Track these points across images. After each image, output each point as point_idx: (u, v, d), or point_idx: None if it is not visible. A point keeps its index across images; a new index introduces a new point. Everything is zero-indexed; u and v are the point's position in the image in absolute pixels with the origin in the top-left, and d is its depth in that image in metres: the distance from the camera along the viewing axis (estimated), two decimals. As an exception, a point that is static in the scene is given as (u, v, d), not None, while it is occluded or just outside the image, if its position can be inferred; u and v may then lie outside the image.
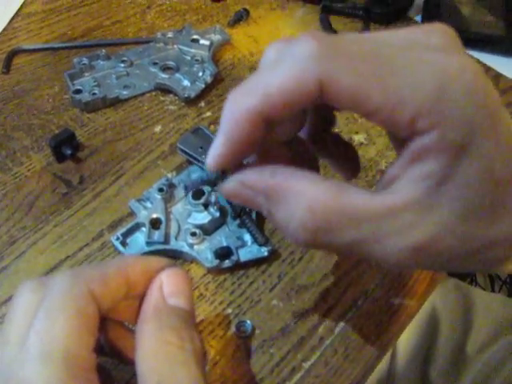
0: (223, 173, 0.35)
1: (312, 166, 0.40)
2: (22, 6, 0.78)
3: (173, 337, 0.32)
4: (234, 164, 0.34)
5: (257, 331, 0.46)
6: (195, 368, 0.32)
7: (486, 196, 0.30)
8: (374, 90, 0.29)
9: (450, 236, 0.30)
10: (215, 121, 0.63)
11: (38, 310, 0.31)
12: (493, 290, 1.75)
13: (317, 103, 0.31)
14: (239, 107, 0.32)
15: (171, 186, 0.54)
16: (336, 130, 0.62)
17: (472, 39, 0.76)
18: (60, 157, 0.58)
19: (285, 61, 0.31)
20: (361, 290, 0.49)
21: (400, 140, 0.31)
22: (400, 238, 0.30)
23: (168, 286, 0.35)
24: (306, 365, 0.45)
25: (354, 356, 0.45)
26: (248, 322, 0.46)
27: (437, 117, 0.29)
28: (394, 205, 0.30)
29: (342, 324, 0.47)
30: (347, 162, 0.43)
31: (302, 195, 0.31)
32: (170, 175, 0.57)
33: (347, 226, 0.31)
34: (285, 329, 0.46)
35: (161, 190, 0.52)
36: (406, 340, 0.78)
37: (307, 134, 0.40)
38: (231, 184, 0.35)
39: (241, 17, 0.77)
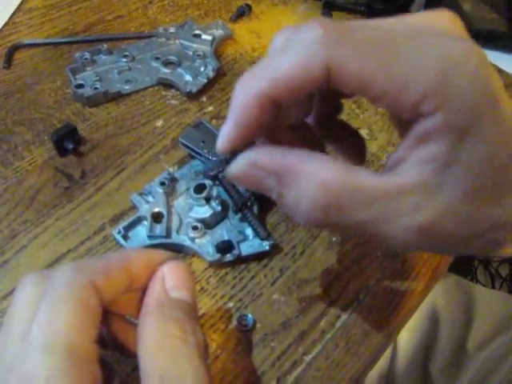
0: (232, 156, 0.35)
1: (319, 151, 0.40)
2: (23, 0, 0.77)
3: (176, 329, 0.32)
4: (243, 147, 0.35)
5: (258, 325, 0.46)
6: (198, 361, 0.32)
7: (489, 179, 0.31)
8: (380, 75, 0.30)
9: (455, 217, 0.31)
10: (217, 115, 0.63)
11: (41, 302, 0.31)
12: (493, 287, 1.75)
13: (323, 88, 0.31)
14: (248, 91, 0.33)
15: (173, 179, 0.54)
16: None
17: (473, 35, 0.75)
18: (62, 151, 0.58)
19: (292, 46, 0.32)
20: (362, 284, 0.49)
21: (404, 124, 0.32)
22: (407, 218, 0.31)
23: (170, 278, 0.35)
24: (308, 358, 0.45)
25: (355, 350, 0.45)
26: (249, 315, 0.46)
27: (441, 99, 0.29)
28: (401, 186, 0.31)
29: (343, 318, 0.47)
30: (353, 148, 0.43)
31: (313, 175, 0.32)
32: (171, 169, 0.57)
33: (358, 204, 0.31)
34: (286, 322, 0.46)
35: (162, 183, 0.52)
36: (407, 336, 0.78)
37: (314, 119, 0.41)
38: (241, 164, 0.35)
39: (243, 12, 0.77)
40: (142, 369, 0.31)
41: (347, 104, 0.64)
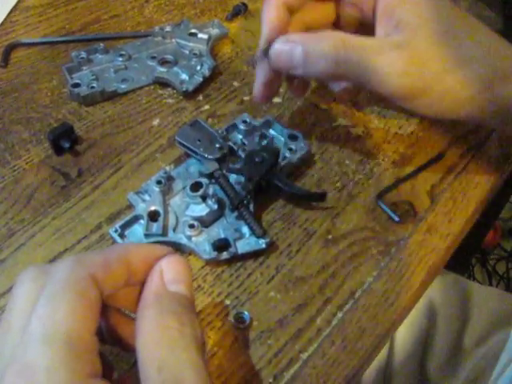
0: (269, 46, 0.51)
1: None
2: (19, 0, 0.77)
3: (174, 322, 0.33)
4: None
5: (254, 323, 0.46)
6: (196, 353, 0.32)
7: (446, 23, 0.47)
8: None
9: (426, 55, 0.47)
10: (213, 114, 0.63)
11: (40, 295, 0.31)
12: (490, 285, 1.76)
13: None
14: (270, 1, 0.52)
15: (169, 178, 0.54)
16: (334, 124, 0.62)
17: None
18: (58, 150, 0.58)
19: None
20: (358, 282, 0.49)
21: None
22: (390, 54, 0.47)
23: (169, 272, 0.36)
24: (304, 356, 0.45)
25: (352, 347, 0.45)
26: (246, 313, 0.47)
27: None
28: (386, 41, 0.48)
29: (339, 316, 0.47)
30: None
31: (330, 36, 0.49)
32: (168, 168, 0.57)
33: (359, 55, 0.47)
34: (282, 320, 0.47)
35: (159, 182, 0.53)
36: (404, 333, 0.78)
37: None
38: (278, 42, 0.50)
39: (239, 11, 0.77)
40: (140, 361, 0.32)
41: (343, 102, 0.65)
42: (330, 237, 0.52)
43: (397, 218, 0.53)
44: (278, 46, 0.50)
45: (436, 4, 0.48)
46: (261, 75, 0.54)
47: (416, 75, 0.47)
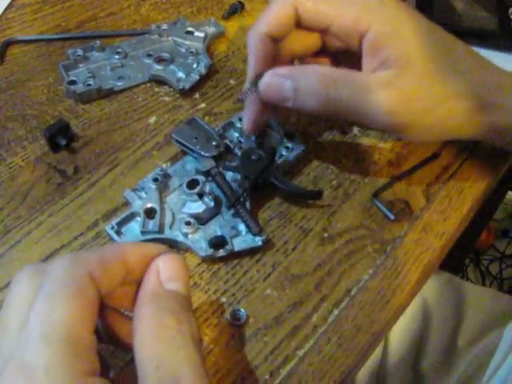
0: (257, 78, 0.51)
1: None
2: (15, -3, 0.77)
3: (171, 320, 0.33)
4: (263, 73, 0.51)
5: (251, 320, 0.47)
6: (193, 351, 0.32)
7: (429, 63, 0.48)
8: (326, 10, 0.51)
9: (412, 93, 0.47)
10: (210, 112, 0.63)
11: (38, 293, 0.31)
12: (483, 285, 1.76)
13: (298, 24, 0.52)
14: (253, 32, 0.52)
15: (166, 176, 0.54)
16: (329, 123, 0.62)
17: (464, 34, 0.76)
18: (55, 147, 0.58)
19: (272, 1, 0.52)
20: (354, 279, 0.50)
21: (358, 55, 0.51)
22: (379, 94, 0.47)
23: (165, 271, 0.36)
24: (300, 353, 0.45)
25: (347, 344, 0.46)
26: (242, 310, 0.47)
27: (370, 17, 0.49)
28: (373, 78, 0.48)
29: (335, 313, 0.47)
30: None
31: (317, 70, 0.49)
32: (164, 165, 0.57)
33: (348, 89, 0.48)
34: (279, 317, 0.47)
35: (155, 179, 0.53)
36: (399, 333, 0.78)
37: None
38: (267, 76, 0.50)
39: (235, 9, 0.77)
40: (138, 359, 0.32)
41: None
42: (326, 235, 0.52)
43: (392, 217, 0.53)
44: (268, 80, 0.50)
45: (422, 40, 0.49)
46: (250, 112, 0.55)
47: (404, 113, 0.48)
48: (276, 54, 0.53)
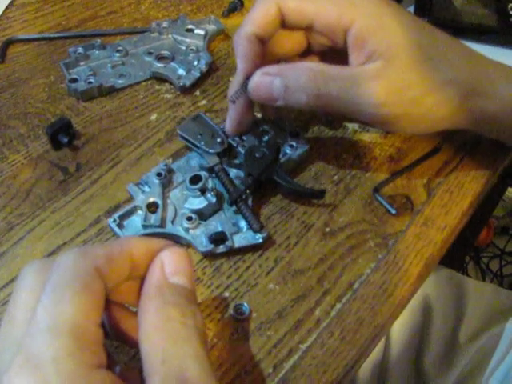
0: (246, 80, 0.51)
1: None
2: (16, -4, 0.78)
3: (176, 313, 0.33)
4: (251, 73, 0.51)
5: (254, 314, 0.47)
6: (198, 343, 0.32)
7: (416, 54, 0.48)
8: (309, 7, 0.51)
9: (404, 81, 0.47)
10: (210, 109, 0.64)
11: (45, 287, 0.31)
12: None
13: (283, 23, 0.52)
14: (239, 34, 0.51)
15: (170, 171, 0.54)
16: (330, 118, 0.63)
17: (464, 30, 0.77)
18: (57, 145, 0.58)
19: (256, 2, 0.52)
20: (356, 273, 0.50)
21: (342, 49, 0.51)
22: (369, 84, 0.47)
23: (169, 265, 0.36)
24: (303, 346, 0.45)
25: (350, 338, 0.46)
26: (245, 304, 0.47)
27: (353, 12, 0.49)
28: (363, 70, 0.48)
29: (337, 307, 0.48)
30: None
31: (306, 66, 0.49)
32: (167, 161, 0.57)
33: (337, 85, 0.48)
34: (281, 312, 0.47)
35: (159, 174, 0.53)
36: (400, 328, 0.79)
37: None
38: (255, 76, 0.50)
39: (235, 7, 0.77)
40: (143, 353, 0.32)
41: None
42: (327, 229, 0.53)
43: (394, 211, 0.54)
44: (257, 79, 0.50)
45: (407, 31, 0.49)
46: (234, 112, 0.55)
47: (394, 103, 0.48)
48: (263, 56, 0.53)
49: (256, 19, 0.51)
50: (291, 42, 0.55)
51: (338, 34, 0.51)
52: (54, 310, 0.30)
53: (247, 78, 0.51)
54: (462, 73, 0.49)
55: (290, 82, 0.49)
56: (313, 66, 0.49)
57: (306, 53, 0.57)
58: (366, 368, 0.78)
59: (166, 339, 0.32)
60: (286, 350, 0.45)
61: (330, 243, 0.52)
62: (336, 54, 0.53)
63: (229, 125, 0.55)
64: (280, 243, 0.51)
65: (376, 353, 0.79)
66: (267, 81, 0.50)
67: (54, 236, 0.52)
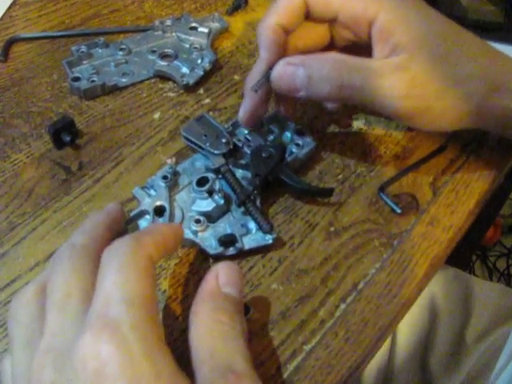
0: (269, 70, 0.51)
1: None
2: (19, -6, 0.77)
3: (225, 317, 0.36)
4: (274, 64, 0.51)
5: (257, 315, 0.46)
6: (244, 345, 0.35)
7: (437, 48, 0.48)
8: None
9: (426, 75, 0.47)
10: (214, 107, 0.63)
11: (103, 269, 0.34)
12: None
13: (306, 16, 0.53)
14: (264, 22, 0.52)
15: (175, 173, 0.53)
16: (335, 117, 0.62)
17: (470, 27, 0.76)
18: (59, 144, 0.58)
19: None
20: (361, 273, 0.49)
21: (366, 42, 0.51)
22: (393, 76, 0.47)
23: (223, 276, 0.39)
24: (307, 348, 0.45)
25: (355, 339, 0.45)
26: (248, 305, 0.46)
27: (378, 4, 0.49)
28: (387, 63, 0.48)
29: (342, 307, 0.47)
30: None
31: (330, 57, 0.49)
32: (169, 161, 0.57)
33: (362, 76, 0.48)
34: (285, 312, 0.46)
35: (165, 177, 0.52)
36: (406, 328, 0.78)
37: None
38: (279, 65, 0.50)
39: (239, 5, 0.77)
40: (194, 348, 0.35)
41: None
42: (332, 229, 0.52)
43: (399, 210, 0.53)
44: (280, 68, 0.50)
45: (431, 25, 0.49)
46: (249, 103, 0.54)
47: (417, 96, 0.47)
48: (286, 47, 0.53)
49: (281, 9, 0.51)
50: (314, 35, 0.55)
51: (363, 26, 0.51)
52: (125, 285, 0.33)
53: (270, 68, 0.51)
54: (485, 68, 0.49)
55: (314, 72, 0.49)
56: (337, 56, 0.49)
57: (329, 47, 0.56)
58: (371, 368, 0.77)
59: (216, 337, 0.35)
60: (290, 351, 0.44)
61: (334, 243, 0.51)
62: (359, 49, 0.53)
63: (243, 115, 0.55)
64: (284, 243, 0.51)
65: (382, 353, 0.78)
66: (290, 70, 0.50)
67: (57, 236, 0.51)
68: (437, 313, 0.78)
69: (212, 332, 0.35)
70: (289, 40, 0.53)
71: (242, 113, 0.55)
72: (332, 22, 0.53)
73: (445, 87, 0.47)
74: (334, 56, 0.49)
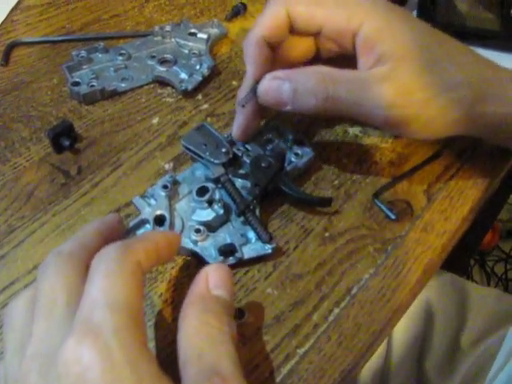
0: (256, 85, 0.51)
1: None
2: (20, -1, 0.78)
3: (214, 320, 0.36)
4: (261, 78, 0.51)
5: (251, 319, 0.47)
6: (232, 348, 0.35)
7: (423, 55, 0.48)
8: (318, 12, 0.51)
9: (413, 84, 0.47)
10: (212, 113, 0.64)
11: (91, 274, 0.35)
12: (488, 286, 1.76)
13: (291, 28, 0.52)
14: (249, 38, 0.52)
15: (175, 182, 0.54)
16: (331, 123, 0.63)
17: (467, 35, 0.77)
18: (58, 148, 0.58)
19: (268, 6, 0.52)
20: (354, 279, 0.50)
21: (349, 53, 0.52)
22: (379, 86, 0.47)
23: (213, 278, 0.40)
24: (301, 351, 0.45)
25: (348, 343, 0.46)
26: (243, 309, 0.47)
27: (362, 15, 0.49)
28: (371, 74, 0.48)
29: (335, 312, 0.48)
30: None
31: (316, 71, 0.49)
32: (167, 166, 0.57)
33: (346, 88, 0.48)
34: (279, 316, 0.47)
35: (165, 186, 0.52)
36: (402, 333, 0.79)
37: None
38: (265, 80, 0.50)
39: (238, 11, 0.77)
40: (181, 349, 0.35)
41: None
42: (327, 234, 0.53)
43: (393, 216, 0.54)
44: (266, 83, 0.50)
45: (415, 34, 0.49)
46: (242, 117, 0.55)
47: (403, 105, 0.47)
48: (273, 61, 0.53)
49: (265, 23, 0.51)
50: (300, 48, 0.55)
51: (347, 37, 0.51)
52: (110, 290, 0.33)
53: (256, 82, 0.51)
54: (472, 76, 0.49)
55: (299, 85, 0.49)
56: (321, 69, 0.49)
57: (315, 59, 0.56)
58: (367, 371, 0.78)
59: (204, 340, 0.35)
60: (283, 355, 0.45)
61: (329, 248, 0.52)
62: (345, 61, 0.53)
63: (236, 130, 0.56)
64: (279, 248, 0.51)
65: (377, 356, 0.79)
66: (276, 85, 0.50)
67: (55, 239, 0.52)
68: (432, 317, 0.79)
69: (200, 334, 0.35)
70: (275, 53, 0.54)
71: (235, 128, 0.56)
72: (317, 34, 0.53)
73: (431, 95, 0.48)
74: (318, 69, 0.49)
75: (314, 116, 0.62)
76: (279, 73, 0.50)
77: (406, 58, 0.48)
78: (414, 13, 0.81)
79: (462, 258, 1.42)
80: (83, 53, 0.67)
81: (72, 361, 0.31)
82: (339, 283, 0.49)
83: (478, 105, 0.49)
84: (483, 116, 0.50)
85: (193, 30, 0.72)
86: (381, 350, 0.79)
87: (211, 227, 0.51)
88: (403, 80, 0.47)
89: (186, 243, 0.50)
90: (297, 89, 0.49)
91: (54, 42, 0.72)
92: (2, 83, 0.66)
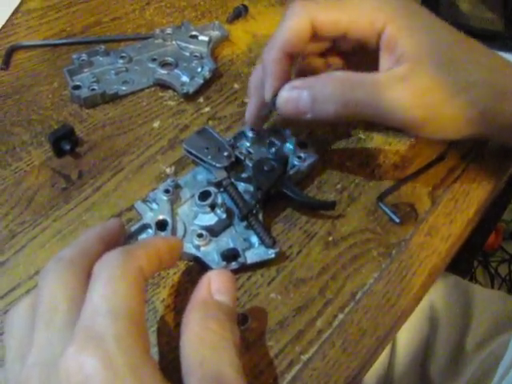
0: (274, 96, 0.51)
1: None
2: (21, 2, 0.78)
3: (216, 326, 0.36)
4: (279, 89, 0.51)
5: (255, 324, 0.46)
6: (234, 354, 0.35)
7: (441, 57, 0.48)
8: (342, 17, 0.50)
9: (429, 84, 0.47)
10: (214, 116, 0.63)
11: (93, 280, 0.35)
12: (492, 288, 1.75)
13: (313, 36, 0.51)
14: (270, 51, 0.51)
15: (177, 186, 0.53)
16: (334, 126, 0.62)
17: (470, 35, 0.76)
18: (59, 152, 0.58)
19: (288, 15, 0.51)
20: (359, 283, 0.49)
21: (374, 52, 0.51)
22: (396, 89, 0.47)
23: (215, 283, 0.40)
24: (304, 357, 0.45)
25: (352, 349, 0.45)
26: (246, 314, 0.46)
27: (384, 16, 0.49)
28: (390, 75, 0.48)
29: (340, 317, 0.47)
30: None
31: (334, 77, 0.49)
32: (169, 170, 0.57)
33: (364, 91, 0.47)
34: (283, 322, 0.47)
35: (167, 191, 0.52)
36: (406, 336, 0.78)
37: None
38: (284, 90, 0.50)
39: (239, 13, 0.77)
40: (183, 355, 0.35)
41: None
42: (330, 239, 0.52)
43: (398, 220, 0.53)
44: (284, 94, 0.50)
45: (435, 33, 0.49)
46: (253, 104, 0.56)
47: (424, 105, 0.47)
48: (292, 71, 0.54)
49: (288, 38, 0.51)
50: (317, 44, 0.55)
51: (372, 38, 0.50)
52: (112, 297, 0.33)
53: (275, 95, 0.51)
54: (491, 75, 0.49)
55: (317, 92, 0.48)
56: (338, 74, 0.49)
57: (330, 51, 0.57)
58: (371, 375, 0.77)
59: (206, 346, 0.35)
60: (287, 361, 0.44)
61: (332, 252, 0.51)
62: (361, 54, 0.53)
63: (248, 116, 0.57)
64: (282, 252, 0.51)
65: (382, 360, 0.78)
66: (295, 95, 0.49)
67: (56, 244, 0.51)
68: (437, 320, 0.78)
69: (202, 341, 0.35)
70: (295, 63, 0.54)
71: (248, 114, 0.56)
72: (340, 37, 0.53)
73: (450, 94, 0.47)
74: (335, 74, 0.49)
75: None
76: (297, 82, 0.50)
77: (424, 58, 0.47)
78: (417, 14, 0.80)
79: (465, 259, 1.42)
80: (84, 56, 0.66)
81: (73, 369, 0.31)
82: (343, 288, 0.49)
83: (497, 103, 0.49)
84: (502, 114, 0.49)
85: (194, 33, 0.71)
86: (385, 353, 0.78)
87: (214, 232, 0.51)
88: (420, 80, 0.47)
89: (189, 248, 0.50)
90: (316, 96, 0.48)
91: (54, 46, 0.71)
92: (2, 87, 0.66)
